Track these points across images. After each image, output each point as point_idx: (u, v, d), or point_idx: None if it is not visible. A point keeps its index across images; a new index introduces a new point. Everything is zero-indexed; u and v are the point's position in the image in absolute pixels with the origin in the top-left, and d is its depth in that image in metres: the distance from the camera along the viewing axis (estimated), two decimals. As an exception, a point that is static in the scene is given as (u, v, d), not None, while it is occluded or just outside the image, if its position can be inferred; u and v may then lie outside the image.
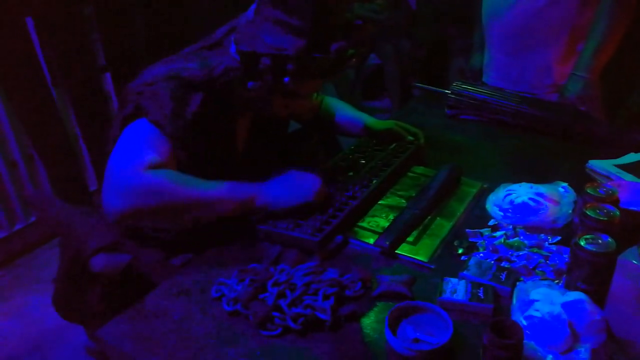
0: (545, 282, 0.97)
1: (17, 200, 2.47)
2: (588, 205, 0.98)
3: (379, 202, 1.27)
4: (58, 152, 2.32)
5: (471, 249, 1.10)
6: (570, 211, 1.17)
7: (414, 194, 1.28)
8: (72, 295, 1.21)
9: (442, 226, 1.18)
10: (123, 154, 1.06)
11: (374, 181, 1.28)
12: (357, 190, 1.23)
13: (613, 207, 0.96)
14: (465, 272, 1.00)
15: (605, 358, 0.83)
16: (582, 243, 0.87)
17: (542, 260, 1.04)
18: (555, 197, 1.20)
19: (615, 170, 1.35)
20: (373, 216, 1.22)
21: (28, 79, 2.16)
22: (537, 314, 0.86)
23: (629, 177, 1.31)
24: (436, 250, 1.10)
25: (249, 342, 0.88)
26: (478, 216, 1.23)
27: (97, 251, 1.11)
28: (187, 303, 0.97)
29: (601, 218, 0.94)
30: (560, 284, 0.96)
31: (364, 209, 1.23)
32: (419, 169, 1.42)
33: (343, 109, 1.58)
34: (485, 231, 1.15)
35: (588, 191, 1.04)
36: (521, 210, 1.17)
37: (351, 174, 1.32)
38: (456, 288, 0.95)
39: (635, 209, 1.10)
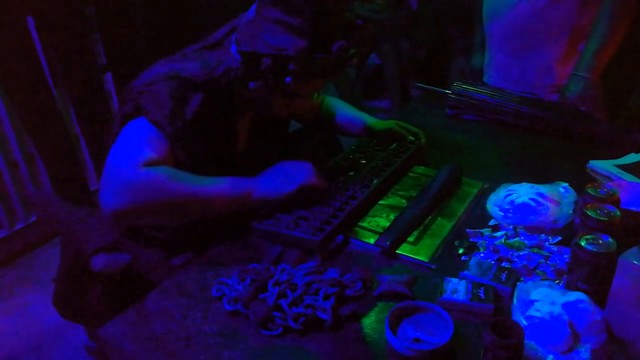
0: (546, 282, 0.97)
1: (17, 199, 2.47)
2: (589, 205, 0.98)
3: (380, 202, 1.27)
4: (58, 152, 2.32)
5: (472, 249, 1.10)
6: (571, 211, 1.17)
7: (414, 194, 1.28)
8: (73, 294, 1.21)
9: (443, 226, 1.18)
10: (120, 151, 1.06)
11: (375, 181, 1.28)
12: (357, 190, 1.23)
13: (614, 208, 0.96)
14: (465, 272, 1.00)
15: (606, 358, 0.83)
16: (583, 243, 0.87)
17: (543, 261, 1.04)
18: (555, 198, 1.20)
19: (615, 170, 1.35)
20: (374, 216, 1.22)
21: (29, 79, 2.16)
22: (538, 314, 0.86)
23: (629, 178, 1.31)
24: (437, 250, 1.10)
25: (250, 342, 0.88)
26: (479, 216, 1.23)
27: (97, 251, 1.11)
28: (187, 303, 0.97)
29: (602, 218, 0.94)
30: (560, 284, 0.96)
31: (365, 208, 1.23)
32: (420, 169, 1.42)
33: (344, 109, 1.58)
34: (486, 231, 1.15)
35: (589, 191, 1.04)
36: (522, 210, 1.17)
37: (352, 173, 1.32)
38: (457, 288, 0.95)
39: (636, 209, 1.10)
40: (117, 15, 2.38)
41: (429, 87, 1.96)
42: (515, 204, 1.19)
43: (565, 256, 1.05)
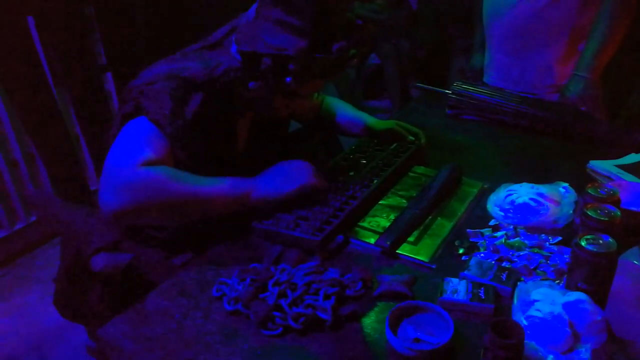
0: (546, 282, 0.97)
1: (17, 199, 2.47)
2: (589, 205, 0.98)
3: (380, 202, 1.27)
4: (59, 152, 2.32)
5: (472, 249, 1.10)
6: (571, 211, 1.17)
7: (414, 194, 1.28)
8: (73, 294, 1.21)
9: (443, 226, 1.18)
10: (120, 151, 1.06)
11: (375, 181, 1.28)
12: (357, 190, 1.23)
13: (614, 208, 0.96)
14: (466, 272, 1.00)
15: (606, 358, 0.83)
16: (583, 243, 0.87)
17: (543, 261, 1.04)
18: (556, 198, 1.20)
19: (616, 170, 1.35)
20: (374, 216, 1.22)
21: (29, 79, 2.16)
22: (538, 314, 0.86)
23: (629, 178, 1.31)
24: (437, 250, 1.10)
25: (250, 342, 0.88)
26: (479, 216, 1.23)
27: (97, 250, 1.11)
28: (187, 302, 0.97)
29: (602, 218, 0.94)
30: (561, 284, 0.96)
31: (365, 208, 1.23)
32: (420, 169, 1.42)
33: (344, 109, 1.58)
34: (486, 231, 1.15)
35: (589, 191, 1.04)
36: (522, 210, 1.17)
37: (352, 173, 1.32)
38: (457, 288, 0.95)
39: (636, 209, 1.10)
40: (117, 15, 2.38)
41: (429, 87, 1.96)
42: (515, 204, 1.19)
43: (565, 256, 1.05)
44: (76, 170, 2.41)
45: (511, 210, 1.19)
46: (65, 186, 2.35)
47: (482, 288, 0.95)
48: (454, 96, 1.79)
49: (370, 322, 0.92)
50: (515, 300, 0.93)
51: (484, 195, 1.30)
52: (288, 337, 0.89)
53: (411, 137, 1.50)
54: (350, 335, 0.90)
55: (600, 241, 0.87)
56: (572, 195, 1.23)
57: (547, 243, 1.10)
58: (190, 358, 0.85)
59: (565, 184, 1.27)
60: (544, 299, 0.88)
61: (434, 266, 1.06)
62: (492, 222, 1.19)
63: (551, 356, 0.83)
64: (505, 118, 1.71)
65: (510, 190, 1.24)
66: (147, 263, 1.17)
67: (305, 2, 1.03)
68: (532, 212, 1.16)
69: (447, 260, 1.07)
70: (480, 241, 1.12)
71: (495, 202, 1.23)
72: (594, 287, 0.88)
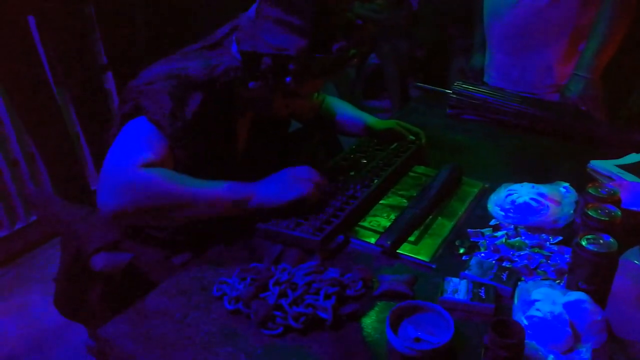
0: (547, 282, 0.97)
1: (18, 199, 2.47)
2: (589, 205, 0.98)
3: (380, 202, 1.27)
4: (59, 151, 2.32)
5: (472, 248, 1.10)
6: (572, 211, 1.17)
7: (415, 194, 1.28)
8: (73, 294, 1.21)
9: (444, 226, 1.18)
10: (119, 151, 1.06)
11: (375, 181, 1.28)
12: (358, 190, 1.23)
13: (614, 208, 0.96)
14: (466, 271, 1.00)
15: (606, 358, 0.83)
16: (584, 243, 0.87)
17: (544, 260, 1.04)
18: (556, 197, 1.20)
19: (616, 170, 1.35)
20: (374, 216, 1.22)
21: (29, 78, 2.17)
22: (539, 314, 0.86)
23: (630, 178, 1.31)
24: (437, 249, 1.10)
25: (250, 341, 0.88)
26: (479, 216, 1.23)
27: (97, 250, 1.10)
28: (187, 302, 0.97)
29: (603, 218, 0.94)
30: (561, 284, 0.96)
31: (365, 208, 1.23)
32: (420, 169, 1.42)
33: (344, 109, 1.58)
34: (487, 231, 1.15)
35: (589, 191, 1.04)
36: (522, 210, 1.17)
37: (352, 173, 1.32)
38: (457, 288, 0.95)
39: (637, 209, 1.10)
40: (117, 15, 2.38)
41: (429, 87, 1.96)
42: (516, 203, 1.19)
43: (566, 256, 1.05)
44: (76, 170, 2.41)
45: (512, 210, 1.19)
46: (65, 186, 2.36)
47: (482, 288, 0.95)
48: (454, 96, 1.79)
49: (370, 321, 0.92)
50: (515, 300, 0.93)
51: (484, 195, 1.30)
52: (288, 337, 0.89)
53: (412, 137, 1.50)
54: (351, 335, 0.90)
55: (601, 241, 0.87)
56: (573, 195, 1.23)
57: (548, 243, 1.10)
58: (190, 358, 0.85)
59: (566, 184, 1.27)
60: (545, 299, 0.88)
61: (434, 266, 1.06)
62: (492, 222, 1.19)
63: (551, 356, 0.83)
64: (505, 118, 1.71)
65: (511, 190, 1.24)
66: (147, 263, 1.17)
67: (305, 2, 1.03)
68: (533, 212, 1.16)
69: (448, 260, 1.07)
70: (481, 241, 1.12)
71: (495, 202, 1.23)
72: (595, 287, 0.88)
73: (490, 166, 1.50)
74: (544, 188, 1.22)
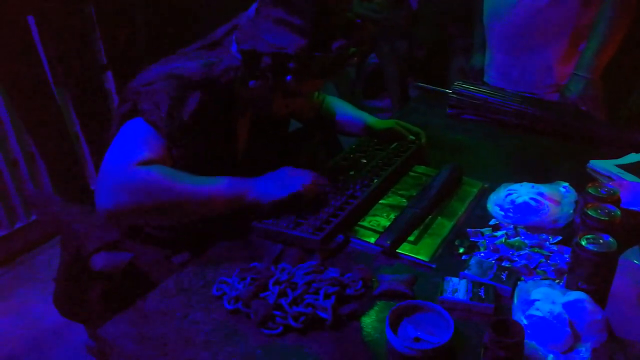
0: (546, 282, 0.97)
1: (17, 198, 2.47)
2: (589, 205, 0.98)
3: (380, 202, 1.27)
4: (59, 151, 2.32)
5: (472, 248, 1.10)
6: (572, 211, 1.17)
7: (415, 194, 1.28)
8: (73, 293, 1.21)
9: (443, 225, 1.18)
10: (117, 151, 1.06)
11: (375, 180, 1.28)
12: (358, 190, 1.23)
13: (614, 207, 0.96)
14: (466, 271, 1.00)
15: (606, 358, 0.83)
16: (584, 243, 0.87)
17: (543, 260, 1.05)
18: (556, 197, 1.20)
19: (616, 170, 1.35)
20: (374, 215, 1.22)
21: (29, 78, 2.16)
22: (538, 314, 0.86)
23: (630, 177, 1.31)
24: (437, 249, 1.10)
25: (250, 341, 0.88)
26: (479, 216, 1.23)
27: (97, 250, 1.10)
28: (187, 302, 0.97)
29: (602, 218, 0.94)
30: (561, 284, 0.96)
31: (365, 208, 1.23)
32: (420, 169, 1.42)
33: (344, 109, 1.58)
34: (486, 231, 1.15)
35: (589, 191, 1.04)
36: (522, 210, 1.17)
37: (352, 173, 1.32)
38: (457, 287, 0.95)
39: (636, 209, 1.10)
40: (117, 15, 2.38)
41: (429, 86, 1.96)
42: (515, 203, 1.19)
43: (565, 256, 1.05)
44: (76, 170, 2.41)
45: (511, 210, 1.19)
46: (65, 185, 2.35)
47: (482, 287, 0.95)
48: (454, 96, 1.79)
49: (370, 321, 0.92)
50: (515, 300, 0.93)
51: (484, 194, 1.30)
52: (288, 337, 0.89)
53: (412, 137, 1.50)
54: (351, 335, 0.90)
55: (601, 241, 0.87)
56: (572, 195, 1.23)
57: (547, 242, 1.10)
58: (190, 358, 0.85)
59: (566, 184, 1.27)
60: (544, 299, 0.88)
61: (434, 265, 1.06)
62: (492, 222, 1.19)
63: (551, 355, 0.83)
64: (505, 118, 1.71)
65: (511, 189, 1.24)
66: (147, 263, 1.17)
67: (305, 2, 1.03)
68: (533, 212, 1.16)
69: (447, 260, 1.07)
70: (481, 241, 1.12)
71: (495, 202, 1.23)
72: (594, 286, 0.88)
73: (490, 166, 1.50)
74: (543, 188, 1.22)
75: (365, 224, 1.18)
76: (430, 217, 1.21)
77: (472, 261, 1.03)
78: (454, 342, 0.84)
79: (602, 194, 1.03)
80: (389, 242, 1.09)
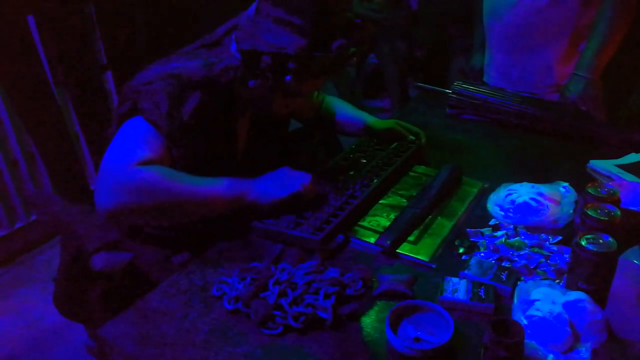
0: (546, 282, 0.97)
1: (17, 198, 2.47)
2: (589, 205, 0.98)
3: (380, 202, 1.27)
4: (59, 151, 2.32)
5: (472, 248, 1.10)
6: (571, 211, 1.17)
7: (415, 194, 1.28)
8: (73, 293, 1.21)
9: (443, 225, 1.18)
10: (116, 151, 1.06)
11: (375, 180, 1.28)
12: (358, 190, 1.23)
13: (614, 207, 0.96)
14: (466, 271, 1.00)
15: (606, 358, 0.83)
16: (583, 243, 0.87)
17: (543, 260, 1.05)
18: (556, 197, 1.20)
19: (616, 170, 1.35)
20: (374, 215, 1.22)
21: (29, 78, 2.16)
22: (538, 314, 0.86)
23: (630, 177, 1.31)
24: (437, 249, 1.10)
25: (250, 341, 0.88)
26: (479, 216, 1.23)
27: (97, 250, 1.10)
28: (187, 302, 0.97)
29: (602, 218, 0.94)
30: (561, 284, 0.96)
31: (365, 208, 1.23)
32: (420, 169, 1.42)
33: (344, 108, 1.58)
34: (486, 231, 1.15)
35: (589, 191, 1.05)
36: (522, 210, 1.17)
37: (352, 173, 1.32)
38: (457, 287, 0.95)
39: (636, 209, 1.10)
40: (117, 15, 2.38)
41: (429, 86, 1.96)
42: (515, 203, 1.19)
43: (565, 256, 1.05)
44: (76, 170, 2.41)
45: (511, 210, 1.19)
46: (65, 185, 2.36)
47: (482, 287, 0.95)
48: (454, 96, 1.79)
49: (370, 321, 0.92)
50: (515, 300, 0.93)
51: (484, 194, 1.30)
52: (288, 337, 0.89)
53: (411, 137, 1.50)
54: (351, 335, 0.90)
55: (601, 241, 0.87)
56: (572, 195, 1.23)
57: (547, 242, 1.10)
58: (190, 358, 0.85)
59: (566, 184, 1.27)
60: (544, 299, 0.88)
61: (434, 265, 1.06)
62: (492, 222, 1.19)
63: (551, 355, 0.83)
64: (505, 118, 1.71)
65: (511, 189, 1.24)
66: (147, 263, 1.17)
67: (305, 2, 1.03)
68: (532, 212, 1.16)
69: (447, 260, 1.07)
70: (480, 241, 1.12)
71: (495, 202, 1.23)
72: (594, 286, 0.88)
73: (490, 166, 1.50)
74: (543, 188, 1.22)
75: (365, 224, 1.18)
76: (430, 217, 1.21)
77: (472, 261, 1.03)
78: (454, 342, 0.84)
79: (602, 194, 1.03)
80: (389, 242, 1.09)
